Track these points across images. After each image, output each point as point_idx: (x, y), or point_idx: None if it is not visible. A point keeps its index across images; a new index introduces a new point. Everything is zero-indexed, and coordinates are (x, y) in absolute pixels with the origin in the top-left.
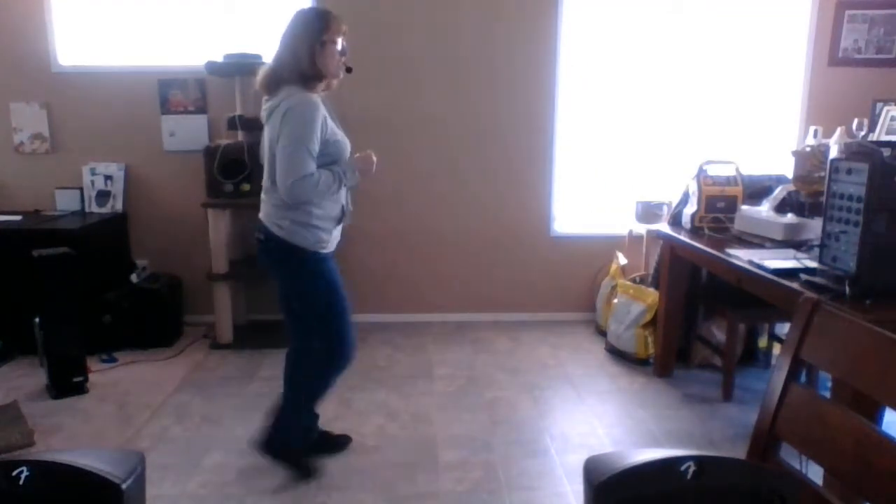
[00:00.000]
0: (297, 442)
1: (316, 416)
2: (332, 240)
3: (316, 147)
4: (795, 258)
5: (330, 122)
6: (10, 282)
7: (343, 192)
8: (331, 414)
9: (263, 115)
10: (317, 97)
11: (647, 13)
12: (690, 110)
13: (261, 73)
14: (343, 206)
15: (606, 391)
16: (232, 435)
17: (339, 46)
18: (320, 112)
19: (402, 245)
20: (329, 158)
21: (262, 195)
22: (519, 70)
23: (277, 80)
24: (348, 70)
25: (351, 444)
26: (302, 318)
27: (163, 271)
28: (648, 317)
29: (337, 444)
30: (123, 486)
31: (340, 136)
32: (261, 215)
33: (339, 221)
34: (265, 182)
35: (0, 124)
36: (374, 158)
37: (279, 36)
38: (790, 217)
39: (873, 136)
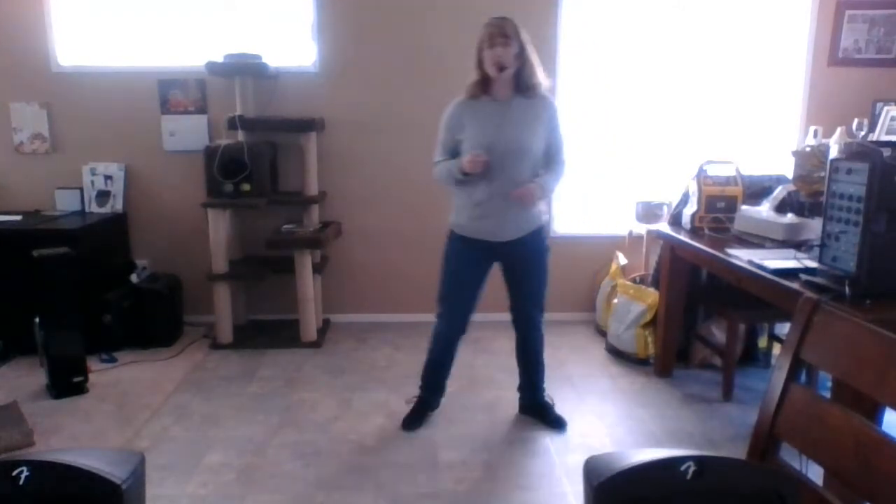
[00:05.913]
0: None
1: None
2: None
3: None
4: (795, 258)
5: None
6: (10, 282)
7: None
8: (330, 414)
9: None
10: None
11: (647, 13)
12: (690, 110)
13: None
14: None
15: (606, 391)
16: (232, 435)
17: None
18: None
19: (401, 245)
20: None
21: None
22: None
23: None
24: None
25: (351, 441)
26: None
27: (163, 271)
28: (648, 317)
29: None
30: (123, 486)
31: None
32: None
33: None
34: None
35: (0, 124)
36: None
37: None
38: (790, 217)
39: (873, 136)
